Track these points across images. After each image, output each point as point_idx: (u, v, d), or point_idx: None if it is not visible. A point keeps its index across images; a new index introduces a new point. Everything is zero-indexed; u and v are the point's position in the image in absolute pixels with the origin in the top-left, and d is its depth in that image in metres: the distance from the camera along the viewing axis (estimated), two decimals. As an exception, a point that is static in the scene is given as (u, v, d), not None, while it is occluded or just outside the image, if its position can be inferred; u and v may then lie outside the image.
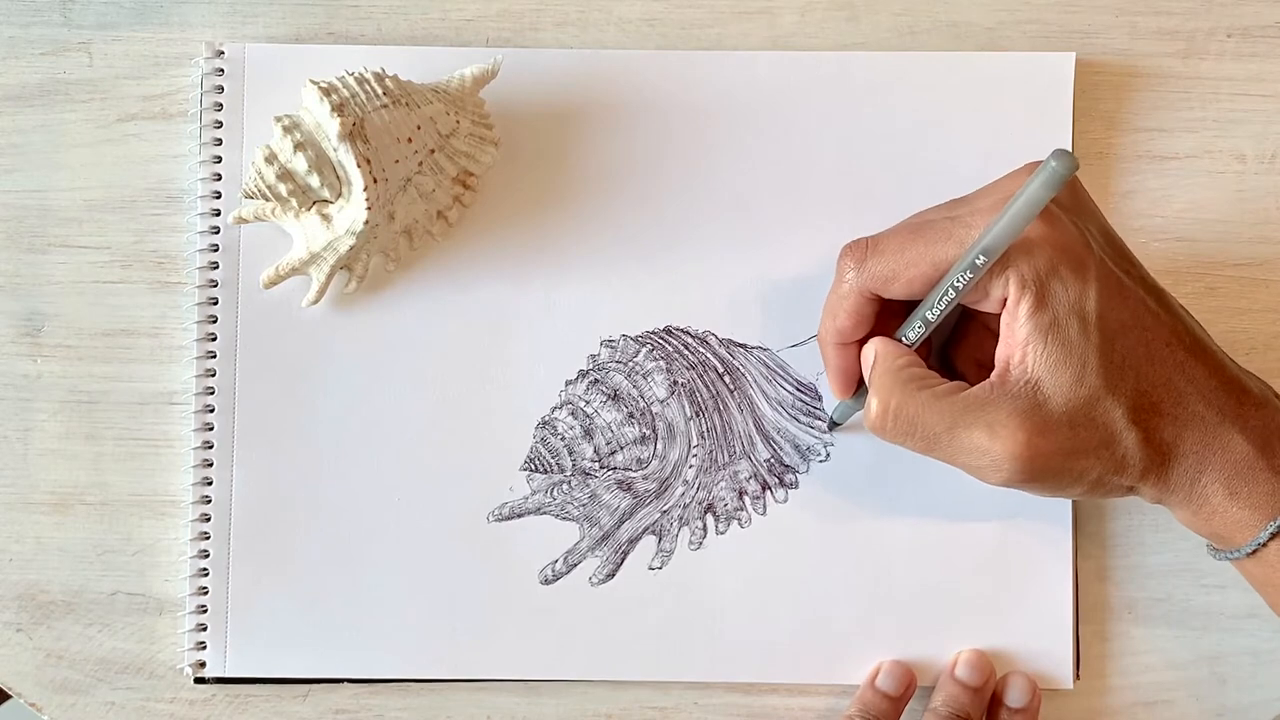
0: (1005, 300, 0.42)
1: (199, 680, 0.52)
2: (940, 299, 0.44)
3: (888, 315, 0.46)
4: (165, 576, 0.52)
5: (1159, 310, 0.43)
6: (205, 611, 0.51)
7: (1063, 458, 0.42)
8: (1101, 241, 0.44)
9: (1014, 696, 0.50)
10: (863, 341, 0.47)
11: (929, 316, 0.44)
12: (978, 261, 0.42)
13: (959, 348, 0.49)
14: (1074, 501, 0.51)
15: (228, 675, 0.51)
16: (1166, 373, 0.43)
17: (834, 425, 0.51)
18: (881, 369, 0.45)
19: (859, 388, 0.49)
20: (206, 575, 0.51)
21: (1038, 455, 0.42)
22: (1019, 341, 0.42)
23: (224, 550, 0.51)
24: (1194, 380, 0.43)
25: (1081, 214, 0.44)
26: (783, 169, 0.52)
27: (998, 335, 0.43)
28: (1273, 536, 0.42)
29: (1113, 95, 0.53)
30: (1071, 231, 0.42)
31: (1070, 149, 0.40)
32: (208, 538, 0.51)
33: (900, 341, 0.46)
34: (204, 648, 0.51)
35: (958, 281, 0.43)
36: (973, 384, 0.43)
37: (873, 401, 0.44)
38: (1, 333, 0.52)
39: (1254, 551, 0.43)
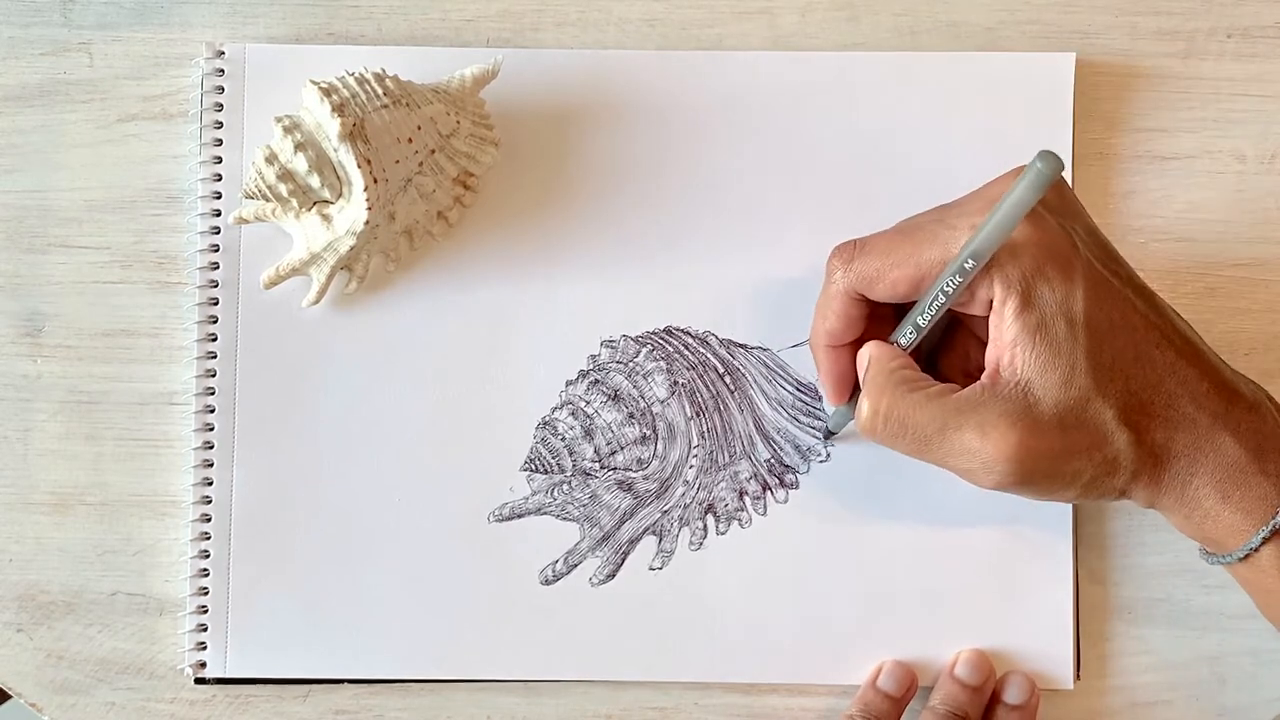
0: (991, 303, 0.42)
1: (199, 680, 0.52)
2: (930, 304, 0.44)
3: (878, 321, 0.47)
4: (165, 576, 0.52)
5: (1147, 311, 0.43)
6: (205, 611, 0.51)
7: (1054, 459, 0.42)
8: (1088, 242, 0.44)
9: (1012, 694, 0.50)
10: (855, 346, 0.47)
11: (920, 322, 0.45)
12: (966, 265, 0.42)
13: (947, 357, 0.49)
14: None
15: (228, 675, 0.51)
16: (1157, 374, 0.42)
17: (829, 435, 0.52)
18: (874, 371, 0.45)
19: (853, 394, 0.49)
20: (206, 575, 0.51)
21: (1029, 456, 0.42)
22: (1007, 343, 0.42)
23: (224, 550, 0.51)
24: (1185, 382, 0.43)
25: (1067, 215, 0.44)
26: (783, 169, 0.52)
27: (985, 343, 0.44)
28: (1264, 541, 0.42)
29: (1113, 95, 0.53)
30: (1057, 232, 0.42)
31: (1057, 151, 0.40)
32: (208, 538, 0.51)
33: (894, 345, 0.46)
34: (204, 648, 0.51)
35: (947, 286, 0.43)
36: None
37: (864, 403, 0.44)
38: (1, 333, 0.52)
39: (1246, 556, 0.43)
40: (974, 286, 0.42)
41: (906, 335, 0.45)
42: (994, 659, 0.51)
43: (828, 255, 0.46)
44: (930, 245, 0.43)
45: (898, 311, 0.46)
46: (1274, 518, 0.42)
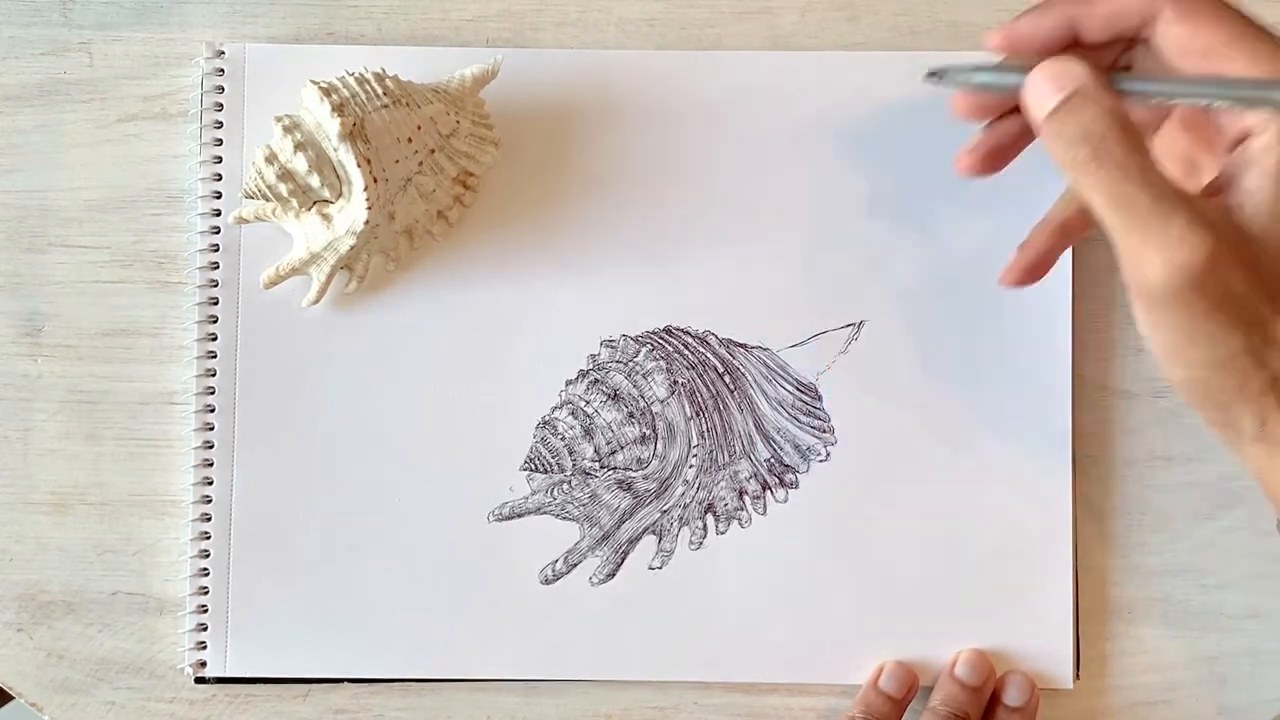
0: (1248, 132, 0.38)
1: (199, 680, 0.52)
2: (1199, 87, 0.39)
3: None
4: (165, 576, 0.52)
5: None
6: (205, 611, 0.51)
7: (1228, 299, 0.37)
8: None
9: (1012, 695, 0.50)
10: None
11: (1172, 92, 0.39)
12: (1259, 98, 0.38)
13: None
14: (1074, 501, 0.51)
15: (228, 675, 0.51)
16: None
17: (935, 75, 0.44)
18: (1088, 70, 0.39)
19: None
20: (206, 575, 0.51)
21: (1218, 267, 0.36)
22: (1259, 173, 0.38)
23: (224, 550, 0.51)
24: None
25: None
26: (782, 168, 0.52)
27: (1190, 136, 0.40)
28: None
29: (1113, 95, 0.53)
30: None
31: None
32: (208, 538, 0.51)
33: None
34: (204, 648, 0.51)
35: (1224, 95, 0.38)
36: None
37: (1067, 70, 0.38)
38: (1, 333, 0.52)
39: None
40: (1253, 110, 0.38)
41: (1139, 86, 0.39)
42: (994, 659, 0.51)
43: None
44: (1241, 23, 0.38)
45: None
46: None
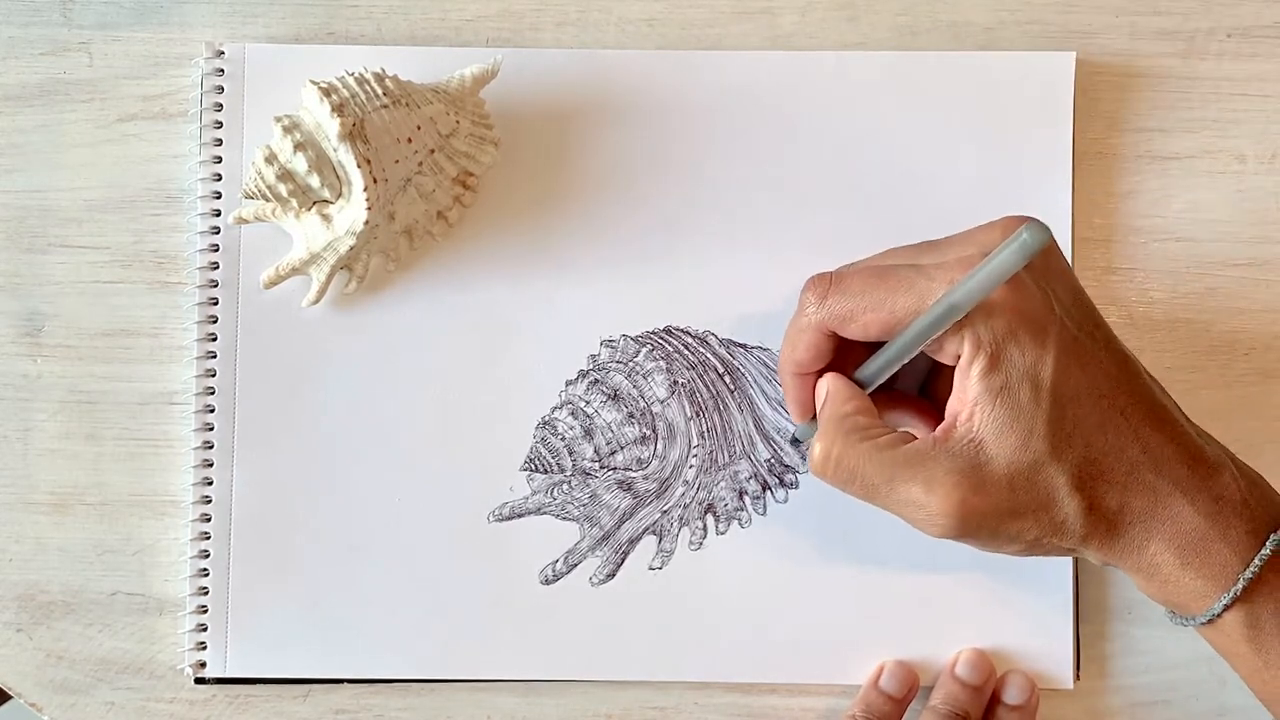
0: (959, 357, 0.42)
1: (199, 680, 0.52)
2: (898, 351, 0.44)
3: (845, 351, 0.46)
4: (165, 576, 0.52)
5: (1119, 376, 0.43)
6: (205, 611, 0.51)
7: (999, 518, 0.42)
8: (1068, 304, 0.43)
9: (1012, 694, 0.50)
10: (823, 372, 0.47)
11: (884, 365, 0.45)
12: (939, 319, 0.42)
13: (938, 381, 0.48)
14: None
15: (228, 675, 0.51)
16: (1120, 440, 0.42)
17: (796, 443, 0.52)
18: (828, 414, 0.45)
19: (815, 416, 0.49)
20: (206, 575, 0.51)
21: (972, 514, 0.42)
22: (968, 400, 0.42)
23: (224, 550, 0.51)
24: (1148, 449, 0.42)
25: (1050, 277, 0.43)
26: (782, 169, 0.52)
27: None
28: (1227, 608, 0.42)
29: (1113, 95, 0.53)
30: (1036, 296, 0.42)
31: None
32: (208, 538, 0.51)
33: (853, 381, 0.46)
34: (204, 648, 0.51)
35: (917, 337, 0.43)
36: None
37: (816, 447, 0.45)
38: (1, 333, 0.52)
39: (1210, 620, 0.43)
40: (944, 339, 0.42)
41: (870, 371, 0.45)
42: (994, 658, 0.51)
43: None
44: (906, 293, 0.43)
45: (868, 344, 0.46)
46: (1235, 585, 0.42)
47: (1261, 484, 0.44)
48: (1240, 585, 0.42)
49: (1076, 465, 0.42)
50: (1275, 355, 0.52)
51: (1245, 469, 0.44)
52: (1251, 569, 0.42)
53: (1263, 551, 0.42)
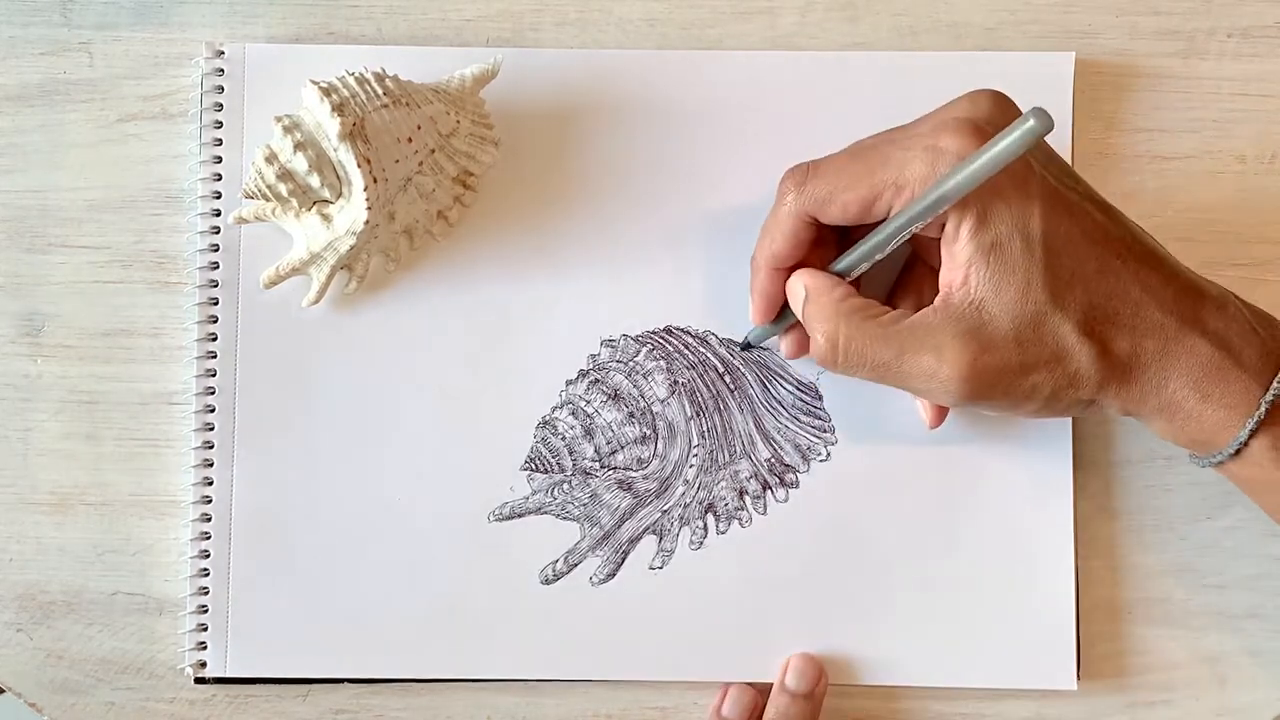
0: (944, 226, 0.42)
1: (199, 680, 0.52)
2: (888, 236, 0.44)
3: (821, 247, 0.47)
4: (165, 576, 0.52)
5: (1107, 223, 0.43)
6: (205, 611, 0.51)
7: (1012, 375, 0.42)
8: (1045, 161, 0.43)
9: (792, 680, 0.50)
10: (792, 270, 0.47)
11: (866, 254, 0.45)
12: (931, 205, 0.42)
13: (901, 292, 0.49)
14: (1074, 501, 0.51)
15: (228, 675, 0.51)
16: (1121, 284, 0.42)
17: (748, 347, 0.52)
18: (820, 303, 0.45)
19: (779, 315, 0.49)
20: (206, 575, 0.51)
21: (985, 372, 0.42)
22: (960, 264, 0.42)
23: (224, 550, 0.51)
24: (1150, 289, 0.42)
25: None
26: (783, 169, 0.52)
27: (938, 272, 0.44)
28: (1253, 434, 0.42)
29: (1113, 95, 0.53)
30: None
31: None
32: (208, 538, 0.51)
33: (830, 274, 0.46)
34: (204, 648, 0.51)
35: (908, 222, 0.43)
36: None
37: (819, 337, 0.45)
38: (1, 333, 0.52)
39: (1237, 452, 0.43)
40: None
41: (848, 263, 0.46)
42: (994, 658, 0.51)
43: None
44: (883, 167, 0.43)
45: (840, 242, 0.46)
46: (1258, 409, 0.42)
47: (1265, 314, 0.44)
48: (1263, 409, 0.42)
49: (1081, 312, 0.42)
50: (1275, 355, 0.52)
51: (1247, 302, 0.44)
52: (1273, 390, 0.42)
53: None
